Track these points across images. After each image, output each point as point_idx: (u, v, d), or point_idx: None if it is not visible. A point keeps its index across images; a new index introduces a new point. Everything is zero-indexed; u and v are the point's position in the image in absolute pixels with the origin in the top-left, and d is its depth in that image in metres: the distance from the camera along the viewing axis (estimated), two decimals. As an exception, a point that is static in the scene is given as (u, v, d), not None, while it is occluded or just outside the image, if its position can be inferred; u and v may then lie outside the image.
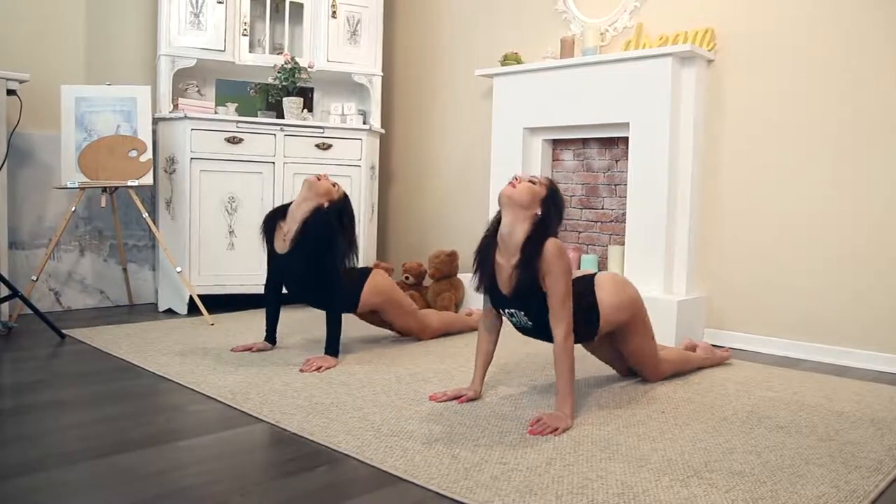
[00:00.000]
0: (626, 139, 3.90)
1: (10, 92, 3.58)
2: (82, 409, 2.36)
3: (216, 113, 4.26)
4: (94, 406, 2.39)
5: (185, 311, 4.05)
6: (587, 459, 1.96)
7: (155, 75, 4.32)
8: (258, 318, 3.99)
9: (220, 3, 4.22)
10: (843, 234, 3.28)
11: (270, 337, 3.24)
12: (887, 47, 3.15)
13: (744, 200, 3.57)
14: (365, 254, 4.48)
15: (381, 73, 4.71)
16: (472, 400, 2.48)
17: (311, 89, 4.76)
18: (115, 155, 3.81)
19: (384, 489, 1.77)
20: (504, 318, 2.49)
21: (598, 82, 3.87)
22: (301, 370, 2.86)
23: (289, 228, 2.99)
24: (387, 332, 3.58)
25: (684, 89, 3.65)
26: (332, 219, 2.96)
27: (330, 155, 4.36)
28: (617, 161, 4.04)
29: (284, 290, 3.22)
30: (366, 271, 3.27)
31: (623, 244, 3.91)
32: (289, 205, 3.06)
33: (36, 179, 4.02)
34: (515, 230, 2.28)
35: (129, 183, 3.78)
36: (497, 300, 2.39)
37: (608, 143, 4.07)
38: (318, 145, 4.32)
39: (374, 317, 3.39)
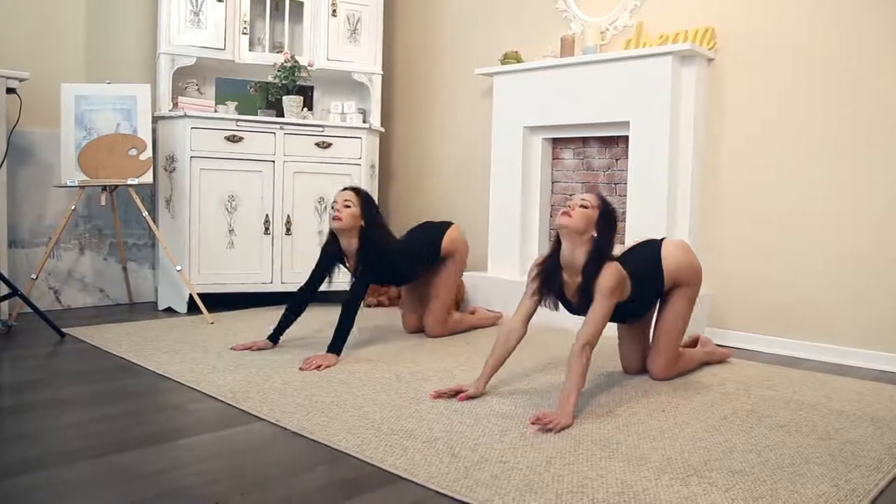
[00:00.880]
0: (626, 138, 3.90)
1: (10, 90, 3.58)
2: (82, 408, 2.36)
3: (216, 111, 4.26)
4: (94, 405, 2.39)
5: (184, 310, 4.05)
6: (587, 458, 1.96)
7: (155, 74, 4.32)
8: (258, 316, 3.99)
9: (219, 1, 4.21)
10: (843, 233, 3.28)
11: (275, 336, 3.25)
12: (887, 47, 3.15)
13: (744, 200, 3.57)
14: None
15: (381, 72, 4.70)
16: (472, 398, 2.49)
17: (311, 88, 4.76)
18: (115, 153, 3.81)
19: (384, 488, 1.77)
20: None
21: (598, 81, 3.87)
22: (301, 368, 2.86)
23: (351, 264, 3.28)
24: (387, 332, 3.59)
25: (684, 88, 3.65)
26: (371, 245, 3.18)
27: (330, 154, 4.36)
28: (617, 160, 4.04)
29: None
30: (446, 225, 3.59)
31: (623, 243, 3.90)
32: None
33: (36, 178, 4.02)
34: (575, 255, 2.46)
35: (129, 181, 3.78)
36: (567, 307, 2.59)
37: (608, 141, 4.07)
38: (317, 144, 4.32)
39: (417, 292, 3.57)
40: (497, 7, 4.61)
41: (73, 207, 3.74)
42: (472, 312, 3.95)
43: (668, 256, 2.77)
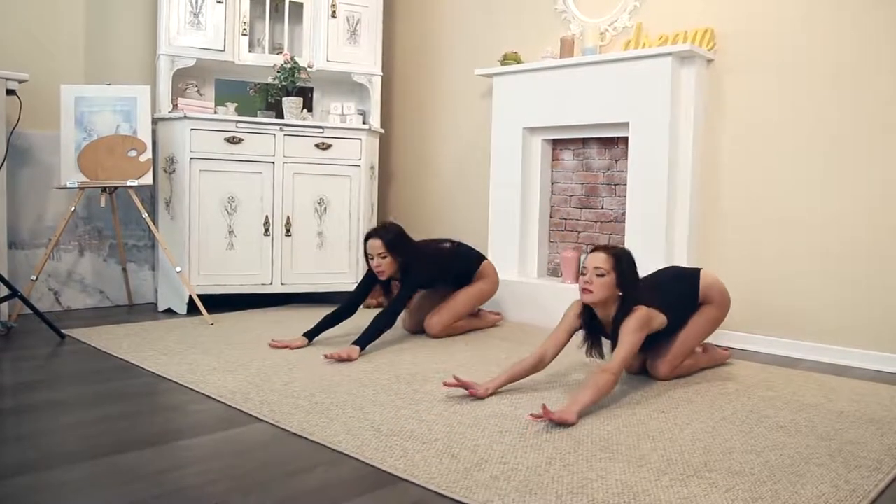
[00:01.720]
0: (625, 139, 3.90)
1: (10, 92, 3.58)
2: (82, 409, 2.36)
3: (216, 113, 4.26)
4: (94, 406, 2.39)
5: (184, 311, 4.05)
6: (587, 459, 1.96)
7: (154, 75, 4.32)
8: (258, 317, 3.99)
9: (219, 2, 4.22)
10: (842, 234, 3.28)
11: (311, 335, 3.36)
12: (887, 47, 3.15)
13: (743, 200, 3.57)
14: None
15: (381, 73, 4.70)
16: (480, 398, 2.50)
17: (311, 89, 4.76)
18: (115, 155, 3.81)
19: (384, 489, 1.77)
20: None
21: (597, 82, 3.87)
22: (325, 355, 3.05)
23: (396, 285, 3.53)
24: (387, 333, 3.59)
25: (684, 89, 3.65)
26: (409, 274, 3.44)
27: (329, 155, 4.36)
28: (616, 161, 4.04)
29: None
30: (482, 259, 3.82)
31: (623, 244, 3.91)
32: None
33: (35, 179, 4.02)
34: (608, 314, 2.64)
35: (129, 183, 3.78)
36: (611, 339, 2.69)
37: (608, 142, 4.07)
38: (317, 145, 4.32)
39: (434, 296, 3.71)
40: (496, 8, 4.61)
41: (72, 209, 3.74)
42: (476, 314, 3.95)
43: (707, 277, 2.95)
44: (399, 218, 5.21)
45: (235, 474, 1.83)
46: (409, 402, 2.46)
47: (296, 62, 4.31)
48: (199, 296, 3.87)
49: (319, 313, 4.14)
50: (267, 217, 4.21)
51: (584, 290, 2.60)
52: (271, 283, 4.25)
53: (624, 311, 2.57)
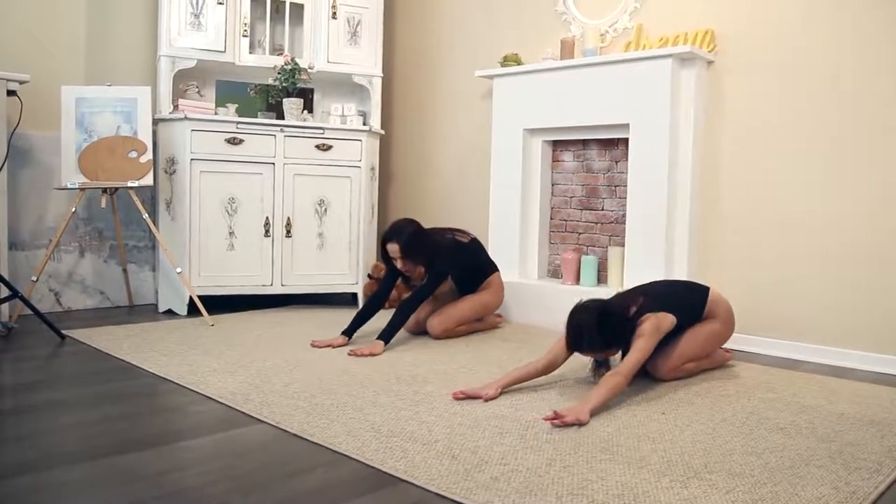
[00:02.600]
0: (626, 140, 3.90)
1: (11, 93, 3.58)
2: (82, 410, 2.36)
3: (216, 114, 4.26)
4: (94, 406, 2.39)
5: (185, 312, 4.05)
6: (587, 460, 1.96)
7: (155, 76, 4.32)
8: (258, 319, 3.99)
9: (220, 3, 4.22)
10: (843, 235, 3.28)
11: (349, 331, 3.43)
12: (887, 48, 3.15)
13: (744, 202, 3.57)
14: (365, 255, 4.48)
15: (382, 74, 4.71)
16: (492, 398, 2.53)
17: (312, 90, 4.76)
18: (116, 155, 3.81)
19: (384, 490, 1.77)
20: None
21: (598, 83, 3.87)
22: (349, 353, 3.15)
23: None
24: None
25: (684, 90, 3.65)
26: (434, 267, 3.53)
27: (330, 156, 4.36)
28: (617, 162, 4.05)
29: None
30: (493, 269, 3.87)
31: (623, 245, 3.91)
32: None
33: (36, 180, 4.02)
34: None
35: (130, 184, 3.79)
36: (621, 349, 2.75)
37: (608, 144, 4.07)
38: (318, 146, 4.32)
39: (441, 298, 3.73)
40: (497, 9, 4.62)
41: (73, 210, 3.74)
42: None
43: (715, 293, 3.01)
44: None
45: (235, 475, 1.83)
46: (410, 403, 2.46)
47: (296, 63, 4.31)
48: (199, 297, 3.87)
49: (320, 314, 4.16)
50: (267, 218, 4.21)
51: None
52: (272, 285, 4.25)
53: (629, 342, 2.64)
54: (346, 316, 4.14)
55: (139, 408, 2.39)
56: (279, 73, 4.31)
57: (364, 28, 4.61)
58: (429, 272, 3.52)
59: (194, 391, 2.57)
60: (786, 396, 2.68)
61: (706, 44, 3.63)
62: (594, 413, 2.35)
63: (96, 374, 2.78)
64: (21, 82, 3.61)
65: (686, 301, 2.93)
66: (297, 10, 4.53)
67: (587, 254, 4.15)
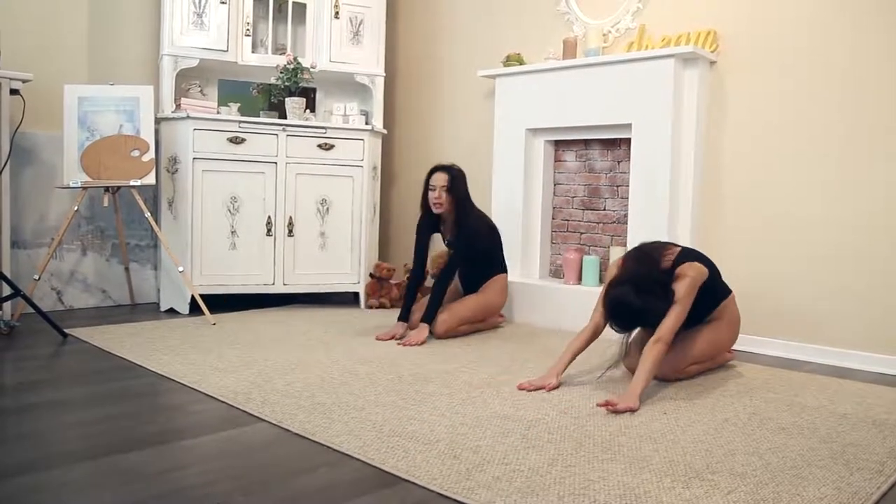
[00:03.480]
0: (628, 140, 3.90)
1: (14, 91, 3.58)
2: (84, 409, 2.36)
3: (219, 113, 4.26)
4: (96, 405, 2.39)
5: (186, 311, 4.06)
6: (589, 460, 1.96)
7: (158, 75, 4.33)
8: (260, 318, 3.99)
9: (222, 3, 4.22)
10: (845, 235, 3.27)
11: (405, 315, 3.66)
12: (889, 49, 3.15)
13: (745, 202, 3.57)
14: (367, 254, 4.48)
15: (384, 74, 4.71)
16: (554, 388, 2.65)
17: (314, 89, 4.76)
18: (118, 154, 3.81)
19: (385, 489, 1.77)
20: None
21: (600, 83, 3.87)
22: (401, 344, 3.39)
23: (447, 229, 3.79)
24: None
25: (686, 91, 3.65)
26: (465, 214, 3.68)
27: (332, 155, 4.36)
28: (619, 162, 4.04)
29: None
30: (503, 268, 3.88)
31: (625, 245, 3.91)
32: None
33: (39, 179, 4.03)
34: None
35: (132, 182, 3.79)
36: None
37: (610, 144, 4.07)
38: (320, 146, 4.32)
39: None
40: (499, 9, 4.61)
41: (75, 208, 3.74)
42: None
43: (733, 298, 3.04)
44: (402, 219, 5.22)
45: (237, 474, 1.83)
46: (412, 402, 2.46)
47: (299, 63, 4.31)
48: (201, 296, 3.87)
49: (321, 314, 4.16)
50: (269, 217, 4.22)
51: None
52: (273, 284, 4.25)
53: (668, 284, 2.69)
54: (347, 316, 4.15)
55: (140, 407, 2.39)
56: (281, 73, 4.31)
57: (366, 27, 4.62)
58: (459, 234, 3.65)
59: (196, 390, 2.57)
60: (787, 397, 2.68)
61: (709, 44, 3.63)
62: (643, 395, 2.50)
63: (98, 373, 2.78)
64: (24, 81, 3.62)
65: (716, 281, 2.92)
66: (300, 9, 4.53)
67: (589, 254, 4.14)
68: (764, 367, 3.19)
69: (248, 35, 4.35)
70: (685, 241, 3.65)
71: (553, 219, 4.35)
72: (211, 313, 3.82)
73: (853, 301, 3.25)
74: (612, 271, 2.86)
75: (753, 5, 3.54)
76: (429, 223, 3.76)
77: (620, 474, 1.87)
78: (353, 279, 4.46)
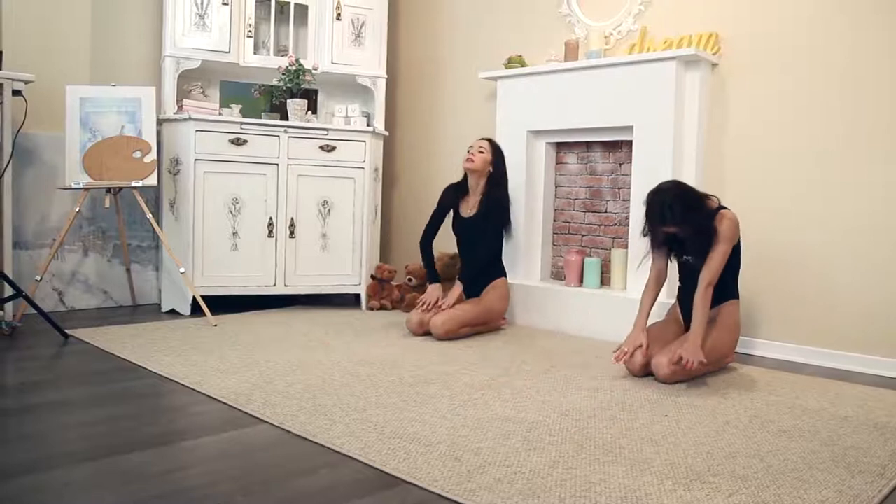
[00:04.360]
0: (629, 142, 3.90)
1: (16, 92, 3.59)
2: (85, 409, 2.36)
3: (220, 114, 4.26)
4: (97, 406, 2.40)
5: (188, 312, 4.06)
6: (590, 463, 1.96)
7: (159, 76, 4.33)
8: (261, 319, 4.00)
9: (224, 4, 4.23)
10: (846, 237, 3.27)
11: (434, 275, 3.92)
12: (890, 49, 3.15)
13: (747, 204, 3.56)
14: (368, 256, 4.48)
15: (386, 76, 4.71)
16: (647, 346, 2.90)
17: (316, 91, 4.77)
18: (120, 155, 3.82)
19: (386, 491, 1.77)
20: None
21: (601, 85, 3.87)
22: (437, 309, 3.65)
23: (474, 201, 3.90)
24: (390, 335, 3.59)
25: (688, 93, 3.65)
26: (496, 185, 3.85)
27: (334, 157, 4.36)
28: (620, 164, 4.04)
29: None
30: (504, 273, 3.95)
31: (626, 248, 3.91)
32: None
33: (40, 179, 4.03)
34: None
35: (134, 184, 3.79)
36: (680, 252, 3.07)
37: (612, 146, 4.07)
38: (322, 147, 4.32)
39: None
40: (501, 11, 4.62)
41: (77, 209, 3.74)
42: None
43: (736, 306, 3.12)
44: (403, 221, 5.22)
45: (238, 475, 1.84)
46: (413, 404, 2.46)
47: (300, 64, 4.32)
48: (202, 297, 3.87)
49: (322, 315, 4.16)
50: (271, 218, 4.22)
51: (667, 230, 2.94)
52: (275, 285, 4.25)
53: (706, 222, 2.89)
54: (349, 317, 4.15)
55: (142, 408, 2.39)
56: (283, 74, 4.31)
57: (368, 29, 4.62)
58: (488, 195, 3.80)
59: (197, 391, 2.58)
60: (789, 399, 2.68)
61: (710, 46, 3.63)
62: (703, 342, 2.76)
63: (99, 374, 2.79)
64: (26, 82, 3.63)
65: (738, 253, 3.06)
66: (302, 11, 4.53)
67: (590, 256, 4.14)
68: (765, 369, 3.19)
69: (250, 36, 4.35)
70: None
71: (554, 221, 4.35)
72: (212, 314, 3.83)
73: (854, 303, 3.25)
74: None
75: (755, 8, 3.54)
76: (452, 196, 3.94)
77: (622, 477, 1.87)
78: (355, 280, 4.47)
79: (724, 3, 3.64)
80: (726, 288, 3.07)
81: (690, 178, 3.65)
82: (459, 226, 3.92)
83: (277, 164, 4.22)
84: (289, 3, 4.50)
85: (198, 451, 2.01)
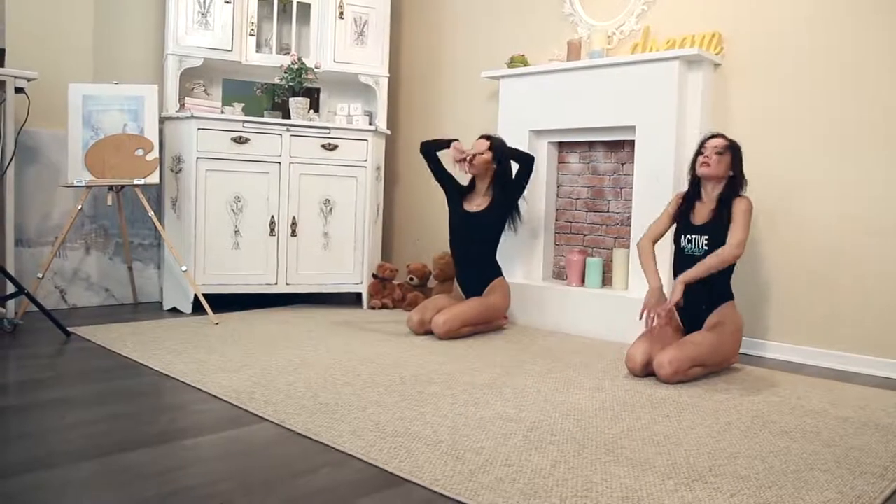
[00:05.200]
0: (632, 142, 3.90)
1: (19, 90, 3.59)
2: (87, 407, 2.36)
3: (223, 112, 4.27)
4: (99, 404, 2.40)
5: (189, 310, 4.06)
6: (591, 463, 1.96)
7: (162, 74, 4.33)
8: (263, 317, 4.00)
9: (227, 2, 4.23)
10: (848, 238, 3.27)
11: (446, 143, 3.93)
12: (894, 49, 3.14)
13: (750, 205, 3.56)
14: (370, 255, 4.48)
15: (388, 75, 4.71)
16: (679, 305, 3.03)
17: (318, 90, 4.77)
18: (122, 153, 3.82)
19: (388, 490, 1.77)
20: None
21: (604, 85, 3.87)
22: (470, 158, 3.79)
23: (480, 200, 3.92)
24: (392, 335, 3.59)
25: (691, 93, 3.65)
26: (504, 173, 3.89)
27: (336, 155, 4.36)
28: (623, 164, 4.04)
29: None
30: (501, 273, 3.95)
31: (628, 247, 3.91)
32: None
33: (43, 177, 4.03)
34: (713, 193, 3.14)
35: (136, 182, 3.79)
36: (686, 227, 3.17)
37: (614, 146, 4.07)
38: (324, 146, 4.32)
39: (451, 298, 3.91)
40: (504, 11, 4.62)
41: (79, 207, 3.75)
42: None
43: (734, 307, 3.15)
44: (405, 220, 5.22)
45: (239, 474, 1.84)
46: (414, 403, 2.46)
47: (303, 63, 4.32)
48: (204, 295, 3.88)
49: (324, 314, 4.16)
50: (273, 217, 4.22)
51: (702, 164, 3.08)
52: (276, 284, 4.25)
53: (733, 191, 3.06)
54: (350, 316, 4.16)
55: (143, 406, 2.39)
56: (286, 73, 4.31)
57: (371, 28, 4.62)
58: (495, 183, 3.84)
59: (198, 389, 2.58)
60: (790, 400, 2.68)
61: (713, 46, 3.63)
62: (689, 280, 2.95)
63: (101, 372, 2.79)
64: (29, 80, 3.62)
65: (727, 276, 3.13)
66: (304, 9, 4.53)
67: (592, 255, 4.14)
68: (767, 370, 3.19)
69: (253, 35, 4.35)
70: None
71: (556, 220, 4.35)
72: (214, 313, 3.83)
73: (856, 304, 3.25)
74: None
75: (758, 8, 3.53)
76: (458, 185, 3.98)
77: (623, 477, 1.87)
78: (356, 279, 4.47)
79: (726, 3, 3.63)
80: (724, 289, 3.09)
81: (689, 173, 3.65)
82: (461, 219, 3.89)
83: (279, 163, 4.22)
84: (291, 1, 4.50)
85: (199, 450, 2.01)
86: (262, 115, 4.41)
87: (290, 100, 4.39)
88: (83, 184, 3.73)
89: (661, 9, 3.88)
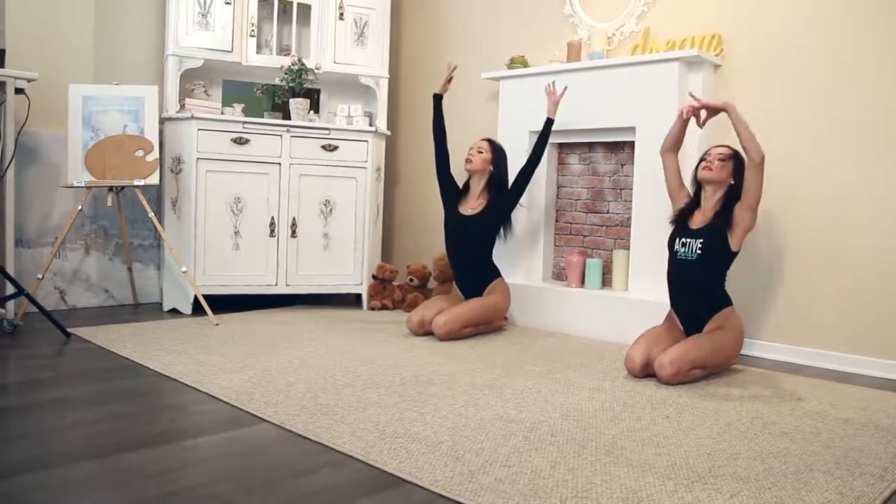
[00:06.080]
0: (632, 144, 3.90)
1: (19, 91, 3.59)
2: (86, 408, 2.36)
3: (223, 113, 4.27)
4: (99, 405, 2.40)
5: (189, 311, 4.06)
6: (591, 464, 1.96)
7: (162, 75, 4.34)
8: (263, 318, 4.00)
9: (227, 3, 4.23)
10: (848, 238, 3.27)
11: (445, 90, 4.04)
12: (894, 49, 3.14)
13: (750, 206, 3.56)
14: (370, 255, 4.48)
15: (388, 76, 4.71)
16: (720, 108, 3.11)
17: (318, 91, 4.77)
18: (122, 154, 3.82)
19: (388, 491, 1.77)
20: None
21: (604, 86, 3.87)
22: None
23: (476, 203, 3.91)
24: (392, 335, 3.59)
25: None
26: (499, 179, 3.92)
27: (336, 156, 4.36)
28: (622, 165, 4.04)
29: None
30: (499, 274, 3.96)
31: (628, 248, 3.91)
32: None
33: (43, 178, 4.03)
34: (713, 199, 3.14)
35: (136, 182, 3.79)
36: (681, 231, 3.17)
37: (614, 147, 4.07)
38: (324, 147, 4.33)
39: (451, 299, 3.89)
40: (504, 11, 4.62)
41: (79, 208, 3.75)
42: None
43: (734, 311, 3.13)
44: (405, 221, 5.22)
45: (239, 475, 1.84)
46: (414, 404, 2.46)
47: (303, 64, 4.32)
48: (204, 296, 3.87)
49: (324, 314, 4.16)
50: (273, 218, 4.22)
51: (704, 168, 3.10)
52: (276, 284, 4.25)
53: (733, 199, 3.05)
54: (351, 316, 4.16)
55: (143, 406, 2.39)
56: (286, 74, 4.31)
57: (371, 29, 4.62)
58: (490, 185, 3.87)
59: (198, 390, 2.58)
60: (790, 401, 2.68)
61: (713, 47, 3.63)
62: (731, 108, 3.03)
63: (100, 373, 2.79)
64: (29, 80, 3.62)
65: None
66: (305, 10, 4.54)
67: (592, 256, 4.14)
68: (767, 371, 3.19)
69: (253, 36, 4.36)
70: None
71: (556, 221, 4.35)
72: (214, 313, 3.83)
73: (856, 304, 3.25)
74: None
75: (758, 9, 3.54)
76: (456, 185, 4.01)
77: (623, 477, 1.87)
78: (356, 280, 4.47)
79: (726, 4, 3.63)
80: (723, 294, 3.11)
81: (692, 179, 3.65)
82: (456, 223, 3.88)
83: (279, 164, 4.22)
84: (291, 2, 4.50)
85: (199, 450, 2.01)
86: (263, 116, 4.41)
87: (291, 101, 4.39)
88: (83, 184, 3.73)
89: (660, 10, 3.89)
